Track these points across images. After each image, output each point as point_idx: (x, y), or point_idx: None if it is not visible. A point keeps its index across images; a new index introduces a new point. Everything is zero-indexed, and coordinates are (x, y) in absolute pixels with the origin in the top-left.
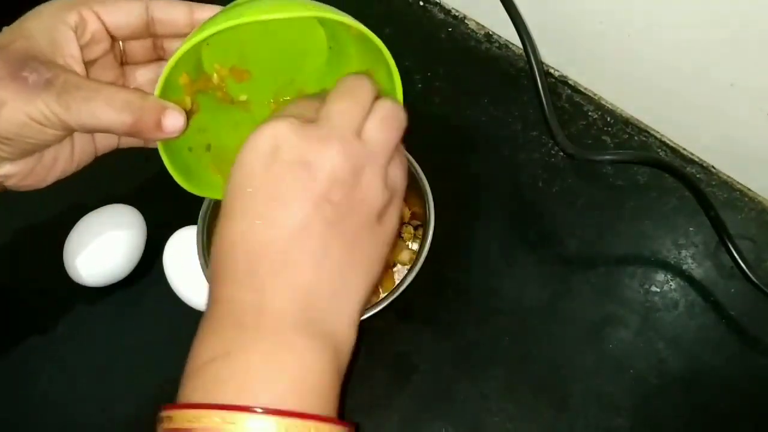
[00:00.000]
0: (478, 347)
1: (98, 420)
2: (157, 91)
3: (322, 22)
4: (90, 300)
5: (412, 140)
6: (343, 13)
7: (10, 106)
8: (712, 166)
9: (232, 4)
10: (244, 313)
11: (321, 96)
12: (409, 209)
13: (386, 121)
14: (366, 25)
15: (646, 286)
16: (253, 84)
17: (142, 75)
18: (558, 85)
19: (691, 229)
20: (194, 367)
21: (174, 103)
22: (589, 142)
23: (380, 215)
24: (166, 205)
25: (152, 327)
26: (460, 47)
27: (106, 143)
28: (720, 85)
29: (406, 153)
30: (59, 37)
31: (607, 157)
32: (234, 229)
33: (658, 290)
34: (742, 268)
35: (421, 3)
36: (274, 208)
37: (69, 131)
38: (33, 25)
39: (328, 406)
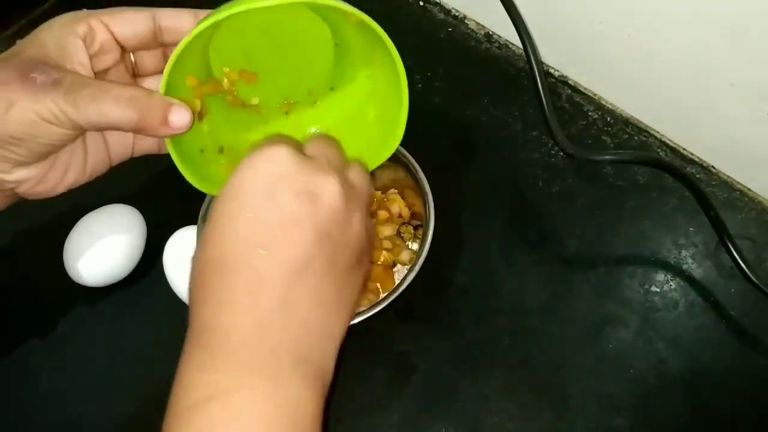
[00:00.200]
0: (478, 347)
1: (98, 420)
2: (161, 89)
3: (326, 17)
4: (90, 300)
5: (412, 140)
6: (342, 2)
7: (19, 106)
8: (712, 166)
9: (228, 3)
10: (242, 349)
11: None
12: (409, 209)
13: (363, 175)
14: None
15: (646, 286)
16: (262, 87)
17: (153, 86)
18: (558, 85)
19: (691, 229)
20: (186, 406)
21: (188, 106)
22: (589, 142)
23: (360, 258)
24: (166, 205)
25: (152, 327)
26: (460, 47)
27: (120, 152)
28: (720, 85)
29: (406, 153)
30: (68, 46)
31: (607, 157)
32: (231, 253)
33: (658, 290)
34: (742, 268)
35: (421, 3)
36: (279, 238)
37: (78, 130)
38: (44, 35)
39: None
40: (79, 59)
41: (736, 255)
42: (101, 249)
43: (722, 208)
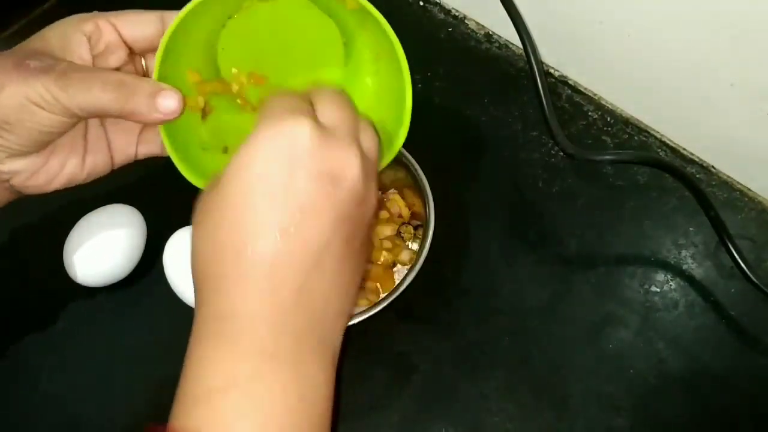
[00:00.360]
0: (478, 347)
1: (98, 420)
2: (154, 76)
3: (329, 11)
4: (90, 300)
5: (412, 140)
6: None
7: (9, 89)
8: (712, 166)
9: None
10: (264, 336)
11: (304, 94)
12: (409, 209)
13: (374, 137)
14: None
15: (646, 286)
16: (272, 89)
17: None
18: (558, 85)
19: (691, 229)
20: (205, 390)
21: (180, 93)
22: (589, 142)
23: (370, 228)
24: (166, 205)
25: (152, 327)
26: (460, 47)
27: (123, 153)
28: (720, 85)
29: (406, 153)
30: (72, 41)
31: (607, 157)
32: (247, 238)
33: (658, 290)
34: (742, 268)
35: (421, 3)
36: (301, 222)
37: (69, 116)
38: (50, 32)
39: (328, 430)
40: (80, 54)
41: (736, 255)
42: (101, 249)
43: (722, 208)
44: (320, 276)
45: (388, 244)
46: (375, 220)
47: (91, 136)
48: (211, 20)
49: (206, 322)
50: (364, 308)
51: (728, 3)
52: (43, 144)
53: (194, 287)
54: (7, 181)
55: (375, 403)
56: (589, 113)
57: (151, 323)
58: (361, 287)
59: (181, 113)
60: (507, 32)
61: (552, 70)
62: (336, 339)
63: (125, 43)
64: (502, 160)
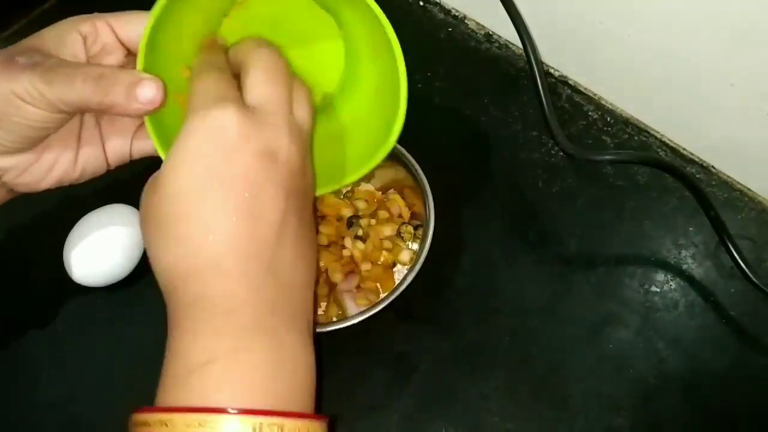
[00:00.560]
0: (478, 347)
1: (98, 420)
2: (138, 66)
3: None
4: (90, 300)
5: (412, 140)
6: None
7: None
8: (712, 166)
9: None
10: (240, 313)
11: (227, 73)
12: (409, 209)
13: (307, 101)
14: None
15: (646, 286)
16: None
17: None
18: (558, 85)
19: (691, 229)
20: (186, 370)
21: (161, 82)
22: (589, 142)
23: (313, 196)
24: None
25: (152, 327)
26: (460, 47)
27: (117, 154)
28: (720, 85)
29: (406, 153)
30: (67, 40)
31: (607, 157)
32: (206, 227)
33: (658, 290)
34: (742, 268)
35: (421, 3)
36: (252, 202)
37: (55, 110)
38: (48, 31)
39: (312, 400)
40: (73, 52)
41: (736, 255)
42: (101, 249)
43: (722, 208)
44: (283, 249)
45: (388, 244)
46: (313, 192)
47: (84, 134)
48: (205, 16)
49: (179, 308)
50: (364, 308)
51: (728, 3)
52: (34, 141)
53: (161, 287)
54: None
55: (375, 403)
56: (589, 113)
57: (151, 323)
58: (360, 287)
59: (164, 104)
60: (507, 32)
61: (552, 70)
62: (308, 309)
63: (122, 44)
64: (502, 160)
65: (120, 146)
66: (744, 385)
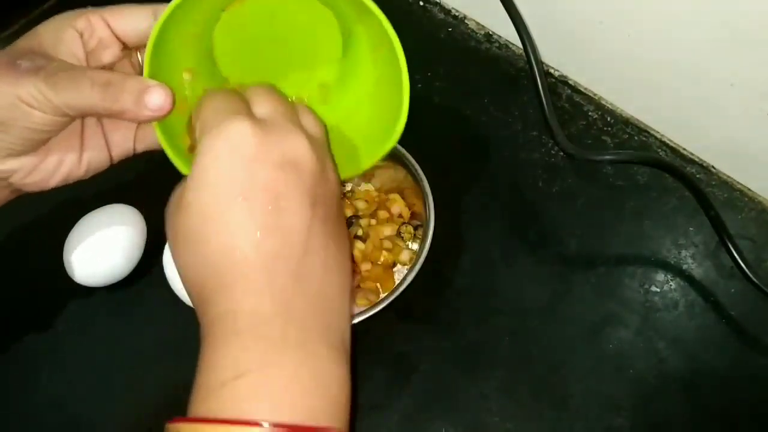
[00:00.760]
0: (478, 347)
1: (98, 420)
2: (145, 72)
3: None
4: (90, 300)
5: (412, 140)
6: None
7: (0, 90)
8: (712, 166)
9: None
10: (270, 327)
11: (234, 91)
12: (409, 209)
13: (314, 118)
14: None
15: (646, 286)
16: (272, 83)
17: None
18: (558, 85)
19: (691, 229)
20: (218, 383)
21: (169, 88)
22: (589, 142)
23: (341, 202)
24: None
25: (152, 327)
26: (460, 47)
27: (121, 149)
28: (720, 85)
29: (406, 153)
30: (63, 37)
31: (607, 157)
32: (232, 242)
33: (658, 290)
34: (742, 268)
35: (421, 3)
36: (277, 214)
37: (61, 115)
38: (42, 29)
39: (346, 415)
40: (72, 51)
41: (736, 255)
42: (101, 249)
43: (722, 208)
44: (311, 259)
45: (388, 244)
46: (341, 196)
47: (87, 132)
48: (205, 14)
49: (211, 324)
50: (364, 308)
51: (728, 3)
52: (38, 143)
53: (194, 304)
54: (6, 179)
55: (375, 403)
56: (589, 113)
57: (150, 323)
58: (360, 287)
59: (172, 109)
60: (507, 32)
61: (552, 70)
62: (342, 321)
63: (118, 38)
64: (502, 160)
65: (123, 141)
66: (744, 385)
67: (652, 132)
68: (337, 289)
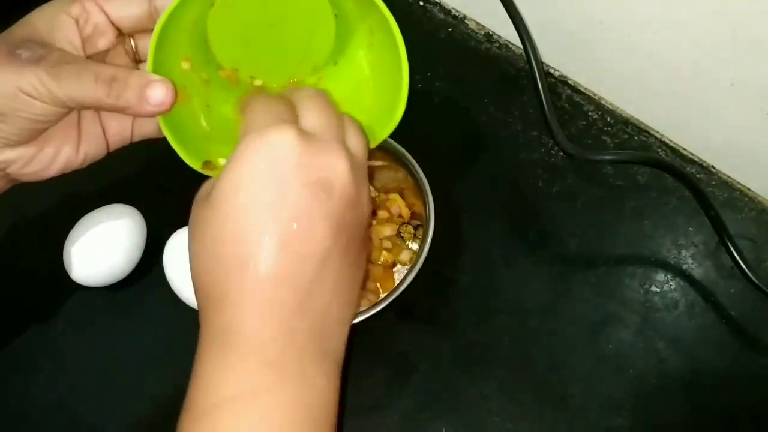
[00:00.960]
0: (478, 347)
1: (98, 420)
2: (148, 66)
3: None
4: (90, 300)
5: (412, 140)
6: None
7: (1, 81)
8: (712, 166)
9: None
10: (269, 350)
11: (283, 97)
12: (409, 209)
13: (361, 137)
14: None
15: (646, 286)
16: (265, 67)
17: None
18: (558, 85)
19: (691, 229)
20: (212, 403)
21: (171, 83)
22: (589, 142)
23: (367, 232)
24: (166, 205)
25: (152, 327)
26: (460, 47)
27: (118, 137)
28: (720, 85)
29: (406, 153)
30: (59, 25)
31: (607, 157)
32: (248, 253)
33: (658, 290)
34: (742, 268)
35: (421, 3)
36: (298, 234)
37: (62, 106)
38: (36, 15)
39: None
40: (69, 38)
41: (736, 255)
42: (101, 249)
43: (722, 208)
44: (321, 286)
45: (388, 244)
46: (371, 219)
47: (85, 121)
48: (202, 6)
49: (212, 334)
50: (364, 308)
51: (728, 3)
52: (37, 133)
53: (197, 300)
54: (3, 170)
55: (375, 403)
56: (589, 113)
57: (150, 323)
58: (362, 287)
59: (174, 103)
60: (507, 32)
61: (552, 70)
62: (339, 347)
63: (113, 24)
64: (502, 160)
65: (121, 130)
66: (744, 385)
67: (652, 132)
68: (340, 316)
